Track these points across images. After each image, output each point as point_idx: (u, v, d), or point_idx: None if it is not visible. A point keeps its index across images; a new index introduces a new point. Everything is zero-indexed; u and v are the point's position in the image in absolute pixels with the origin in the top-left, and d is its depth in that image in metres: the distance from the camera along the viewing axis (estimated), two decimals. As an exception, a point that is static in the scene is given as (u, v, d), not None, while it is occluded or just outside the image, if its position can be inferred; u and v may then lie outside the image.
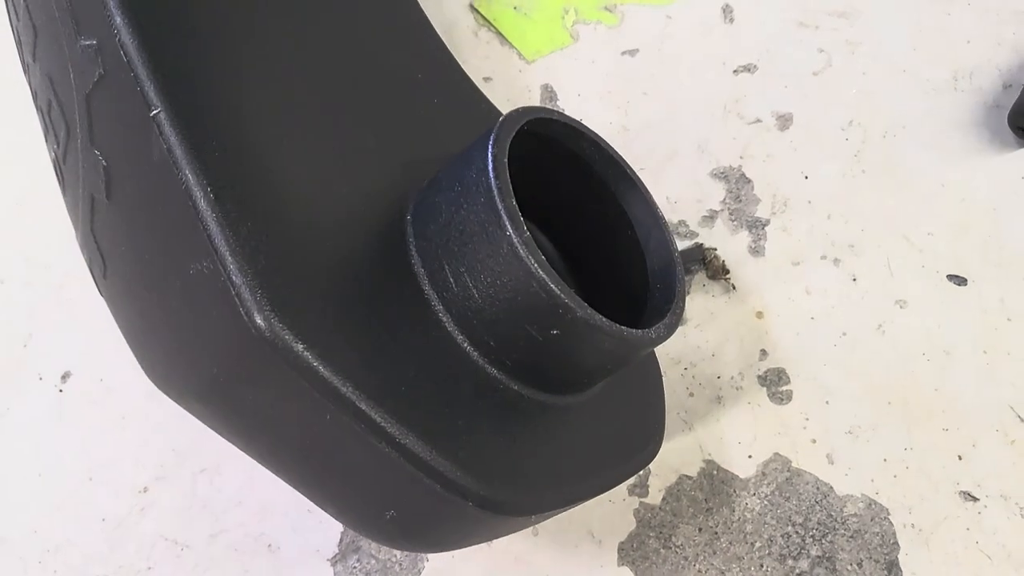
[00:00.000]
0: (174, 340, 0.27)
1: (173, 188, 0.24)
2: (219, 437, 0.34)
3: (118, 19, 0.25)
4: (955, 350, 0.39)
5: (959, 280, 0.41)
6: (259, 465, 0.34)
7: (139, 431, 0.39)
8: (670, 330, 0.29)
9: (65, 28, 0.27)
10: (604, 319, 0.26)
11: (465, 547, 0.30)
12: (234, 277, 0.23)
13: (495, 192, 0.26)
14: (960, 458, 0.38)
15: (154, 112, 0.25)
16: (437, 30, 0.40)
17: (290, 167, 0.27)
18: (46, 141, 0.33)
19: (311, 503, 0.37)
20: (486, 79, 0.45)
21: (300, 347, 0.23)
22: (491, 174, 0.26)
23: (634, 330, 0.27)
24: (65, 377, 0.40)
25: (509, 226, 0.26)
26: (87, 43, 0.26)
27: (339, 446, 0.25)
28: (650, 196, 0.32)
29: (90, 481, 0.38)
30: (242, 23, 0.30)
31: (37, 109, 0.33)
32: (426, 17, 0.39)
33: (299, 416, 0.25)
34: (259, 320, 0.23)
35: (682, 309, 0.30)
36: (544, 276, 0.25)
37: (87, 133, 0.27)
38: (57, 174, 0.32)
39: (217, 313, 0.24)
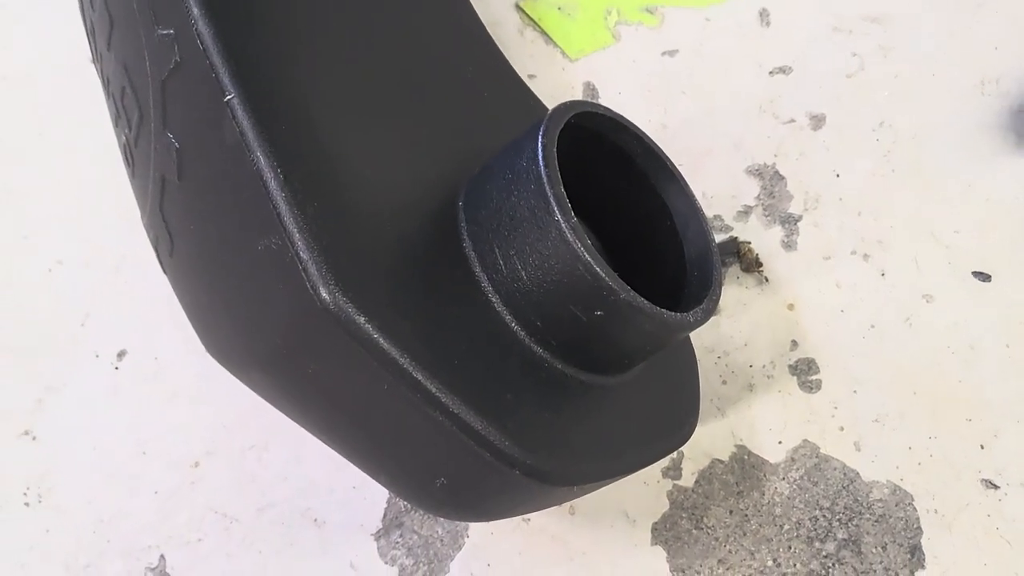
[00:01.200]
0: (239, 313, 0.28)
1: (244, 169, 0.26)
2: (267, 415, 0.35)
3: (195, 10, 0.26)
4: (979, 344, 0.40)
5: (984, 276, 0.42)
6: (305, 443, 0.35)
7: (191, 408, 0.40)
8: (707, 315, 0.30)
9: (143, 18, 0.29)
10: (646, 301, 0.27)
11: (509, 517, 0.31)
12: (301, 253, 0.25)
13: (545, 180, 0.27)
14: (982, 447, 0.38)
15: (228, 98, 0.26)
16: (482, 28, 0.41)
17: (352, 153, 0.29)
18: (115, 126, 0.34)
19: (356, 480, 0.38)
20: (530, 76, 0.45)
21: (362, 320, 0.25)
22: (541, 163, 0.27)
23: (673, 313, 0.28)
24: (121, 355, 0.41)
25: (558, 212, 0.27)
26: (164, 32, 0.28)
27: (394, 415, 0.26)
28: (688, 188, 0.33)
29: (143, 455, 0.39)
30: (310, 17, 0.31)
31: (108, 96, 0.34)
32: (477, 16, 0.40)
33: (358, 386, 0.26)
34: (324, 293, 0.24)
35: (718, 296, 0.30)
36: (590, 259, 0.26)
37: (161, 118, 0.29)
38: (126, 157, 0.33)
39: (283, 287, 0.25)
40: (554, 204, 0.27)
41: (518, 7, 0.47)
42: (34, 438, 0.40)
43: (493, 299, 0.29)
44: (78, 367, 0.41)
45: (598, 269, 0.27)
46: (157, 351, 0.41)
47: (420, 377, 0.25)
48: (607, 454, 0.30)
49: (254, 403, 0.37)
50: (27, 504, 0.39)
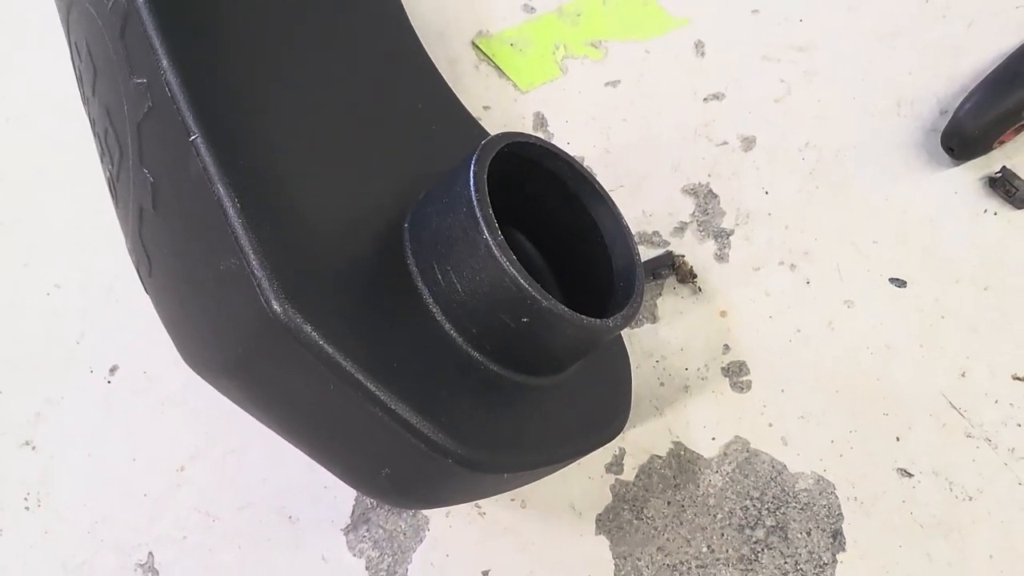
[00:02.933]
0: (207, 325, 0.32)
1: (207, 199, 0.29)
2: (246, 422, 0.38)
3: (164, 62, 0.30)
4: (895, 344, 0.43)
5: (899, 283, 0.45)
6: (281, 447, 0.38)
7: (177, 417, 0.43)
8: (627, 320, 0.33)
9: (121, 69, 0.32)
10: (566, 309, 0.30)
11: (450, 504, 0.34)
12: (255, 271, 0.28)
13: (475, 203, 0.30)
14: (898, 439, 0.41)
15: (192, 138, 0.29)
16: (441, 64, 0.44)
17: (306, 181, 0.32)
18: (101, 162, 0.38)
19: (327, 480, 0.41)
20: (485, 108, 0.49)
21: (308, 328, 0.28)
22: (472, 188, 0.31)
23: (593, 319, 0.31)
24: (113, 370, 0.44)
25: (486, 231, 0.30)
26: (139, 81, 0.31)
27: (341, 413, 0.30)
28: (616, 208, 0.36)
29: (133, 461, 0.42)
30: (268, 62, 0.35)
31: (94, 135, 0.38)
32: (427, 54, 0.43)
33: (309, 387, 0.30)
34: (276, 306, 0.28)
35: (639, 304, 0.34)
36: (515, 272, 0.30)
37: (138, 155, 0.32)
38: (110, 190, 0.37)
39: (242, 301, 0.29)
40: (483, 224, 0.30)
41: (474, 44, 0.51)
42: (34, 448, 0.43)
43: (433, 309, 0.32)
44: (74, 382, 0.44)
45: (521, 280, 0.30)
46: (146, 366, 0.44)
47: (361, 378, 0.28)
48: (537, 446, 0.33)
49: (234, 412, 0.40)
50: (27, 508, 0.42)
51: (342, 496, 0.41)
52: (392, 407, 0.29)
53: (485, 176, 0.31)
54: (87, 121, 0.42)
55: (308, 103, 0.35)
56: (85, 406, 0.44)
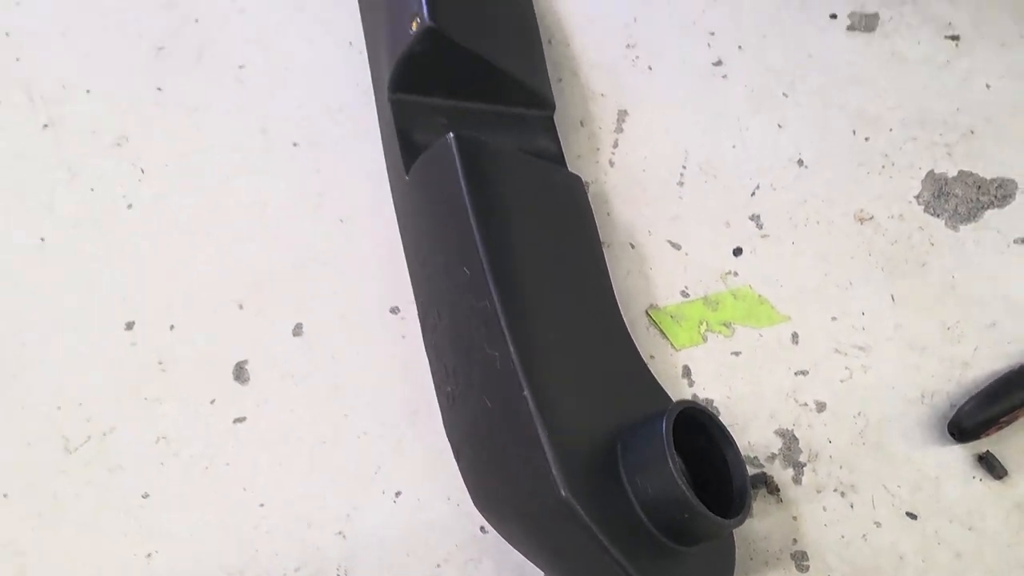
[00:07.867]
0: (509, 490, 0.51)
1: (529, 425, 0.49)
2: (481, 542, 0.58)
3: (511, 348, 0.51)
4: (906, 556, 0.60)
5: (912, 516, 0.62)
6: (505, 563, 0.57)
7: (438, 532, 0.61)
8: (740, 522, 0.52)
9: (477, 338, 0.54)
10: (711, 514, 0.50)
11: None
12: (553, 470, 0.48)
13: (666, 448, 0.50)
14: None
15: (523, 392, 0.50)
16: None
17: (569, 408, 0.52)
18: (437, 375, 0.59)
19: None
20: (651, 357, 0.67)
21: (580, 510, 0.48)
22: (664, 439, 0.51)
23: (724, 520, 0.51)
24: (398, 494, 0.62)
25: (671, 466, 0.50)
26: (491, 353, 0.53)
27: (591, 565, 0.49)
28: (739, 451, 0.55)
29: (407, 556, 0.60)
30: (549, 334, 0.55)
31: (436, 358, 0.58)
32: (628, 333, 0.63)
33: (572, 544, 0.48)
34: (563, 492, 0.47)
35: (747, 513, 0.53)
36: (686, 491, 0.49)
37: (480, 388, 0.53)
38: (445, 393, 0.57)
39: (539, 484, 0.48)
40: (670, 462, 0.50)
41: (647, 313, 0.70)
42: (344, 537, 0.61)
43: (632, 499, 0.51)
44: (370, 497, 0.62)
45: (689, 496, 0.50)
46: (421, 496, 0.62)
47: (607, 543, 0.47)
48: (686, 593, 0.53)
49: (474, 533, 0.59)
50: (336, 576, 0.62)
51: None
52: (622, 562, 0.47)
53: (672, 430, 0.52)
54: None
55: (565, 356, 0.55)
56: (378, 515, 0.61)
